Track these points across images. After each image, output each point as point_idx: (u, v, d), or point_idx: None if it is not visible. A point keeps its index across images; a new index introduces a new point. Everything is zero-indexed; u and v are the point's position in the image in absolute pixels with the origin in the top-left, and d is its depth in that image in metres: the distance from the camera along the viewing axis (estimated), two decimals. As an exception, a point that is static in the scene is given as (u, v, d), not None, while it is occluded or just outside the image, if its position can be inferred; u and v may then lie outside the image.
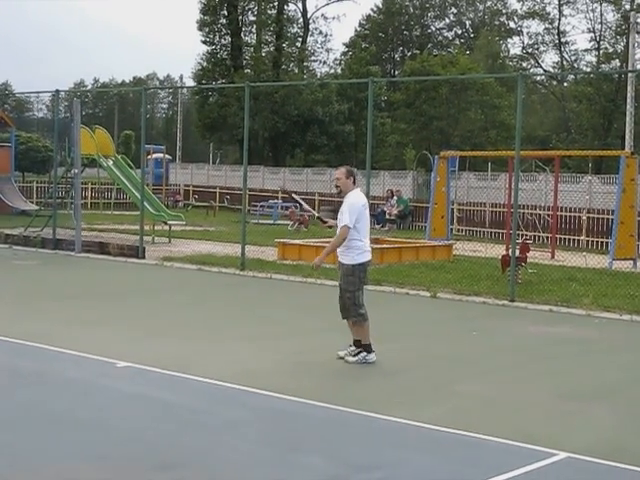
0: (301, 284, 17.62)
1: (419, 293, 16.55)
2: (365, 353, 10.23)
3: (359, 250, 10.23)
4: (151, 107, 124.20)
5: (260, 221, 33.41)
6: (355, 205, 10.22)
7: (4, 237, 24.15)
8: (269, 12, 62.28)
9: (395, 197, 35.26)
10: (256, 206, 36.61)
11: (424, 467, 6.72)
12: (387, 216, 34.30)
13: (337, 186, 10.39)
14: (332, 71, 71.89)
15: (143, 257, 21.05)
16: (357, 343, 10.34)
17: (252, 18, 63.07)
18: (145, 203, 23.94)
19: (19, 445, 6.94)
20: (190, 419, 7.86)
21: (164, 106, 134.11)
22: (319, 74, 69.36)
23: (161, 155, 48.99)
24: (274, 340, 11.38)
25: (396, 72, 78.99)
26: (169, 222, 26.02)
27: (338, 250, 10.30)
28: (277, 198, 39.74)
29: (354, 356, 10.22)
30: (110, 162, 27.71)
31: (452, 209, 29.37)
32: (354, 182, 10.35)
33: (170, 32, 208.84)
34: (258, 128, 53.21)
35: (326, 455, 6.91)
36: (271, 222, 33.90)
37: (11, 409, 7.98)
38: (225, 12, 61.22)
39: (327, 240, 22.65)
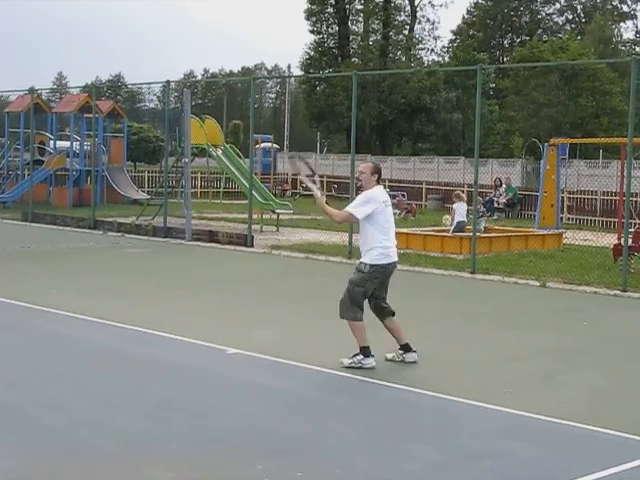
0: (408, 272, 17.57)
1: (528, 282, 16.34)
2: (361, 356, 9.29)
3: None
4: (259, 97, 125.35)
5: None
6: (370, 196, 9.38)
7: (117, 226, 24.71)
8: (376, 0, 62.18)
9: (504, 185, 34.91)
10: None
11: (533, 458, 6.65)
12: (495, 205, 33.96)
13: (359, 179, 9.58)
14: (439, 59, 71.41)
15: (251, 245, 21.29)
16: (405, 347, 9.63)
17: (359, 7, 63.04)
18: (254, 192, 24.19)
19: (129, 428, 7.11)
20: (299, 406, 7.94)
21: (272, 96, 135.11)
22: (426, 62, 68.96)
23: (269, 144, 49.39)
24: (384, 329, 11.35)
25: (504, 59, 77.99)
26: (277, 211, 26.23)
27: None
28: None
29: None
30: (219, 151, 28.05)
31: (562, 197, 28.93)
32: (377, 180, 9.57)
33: (278, 22, 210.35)
34: (365, 117, 53.19)
35: (434, 444, 6.91)
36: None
37: (123, 393, 8.17)
38: (332, 1, 61.36)
39: (435, 229, 22.63)
